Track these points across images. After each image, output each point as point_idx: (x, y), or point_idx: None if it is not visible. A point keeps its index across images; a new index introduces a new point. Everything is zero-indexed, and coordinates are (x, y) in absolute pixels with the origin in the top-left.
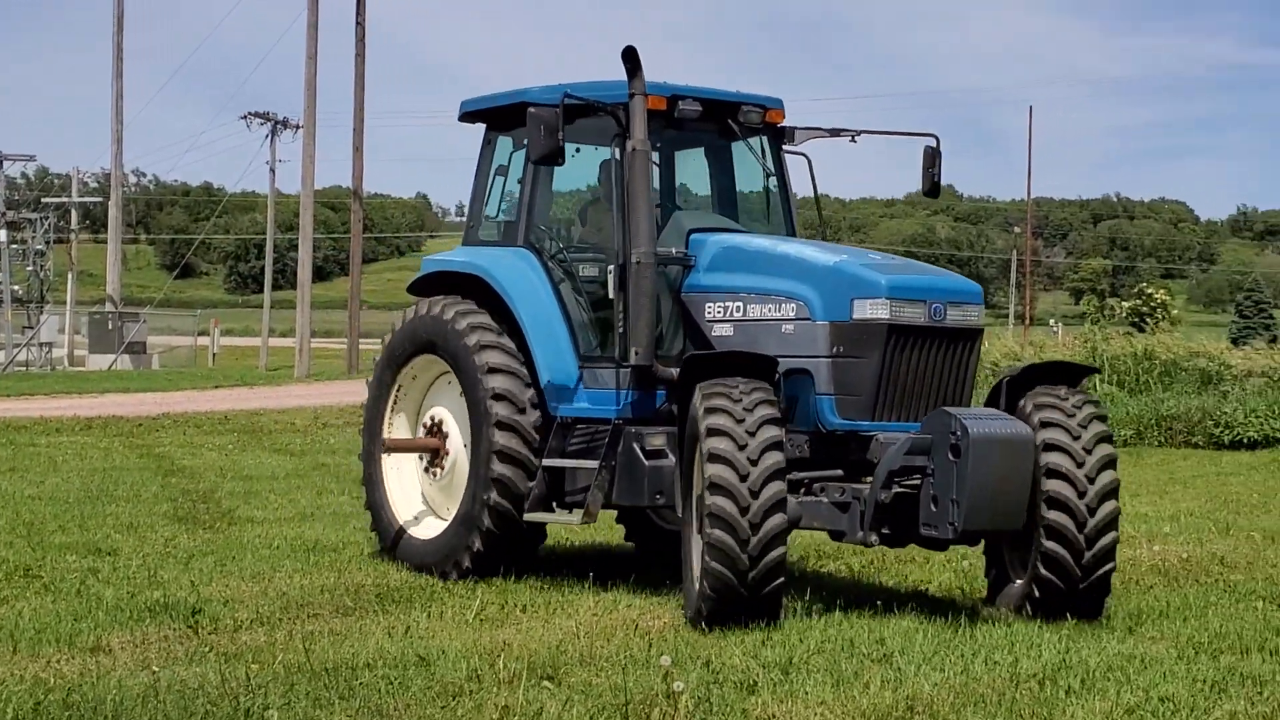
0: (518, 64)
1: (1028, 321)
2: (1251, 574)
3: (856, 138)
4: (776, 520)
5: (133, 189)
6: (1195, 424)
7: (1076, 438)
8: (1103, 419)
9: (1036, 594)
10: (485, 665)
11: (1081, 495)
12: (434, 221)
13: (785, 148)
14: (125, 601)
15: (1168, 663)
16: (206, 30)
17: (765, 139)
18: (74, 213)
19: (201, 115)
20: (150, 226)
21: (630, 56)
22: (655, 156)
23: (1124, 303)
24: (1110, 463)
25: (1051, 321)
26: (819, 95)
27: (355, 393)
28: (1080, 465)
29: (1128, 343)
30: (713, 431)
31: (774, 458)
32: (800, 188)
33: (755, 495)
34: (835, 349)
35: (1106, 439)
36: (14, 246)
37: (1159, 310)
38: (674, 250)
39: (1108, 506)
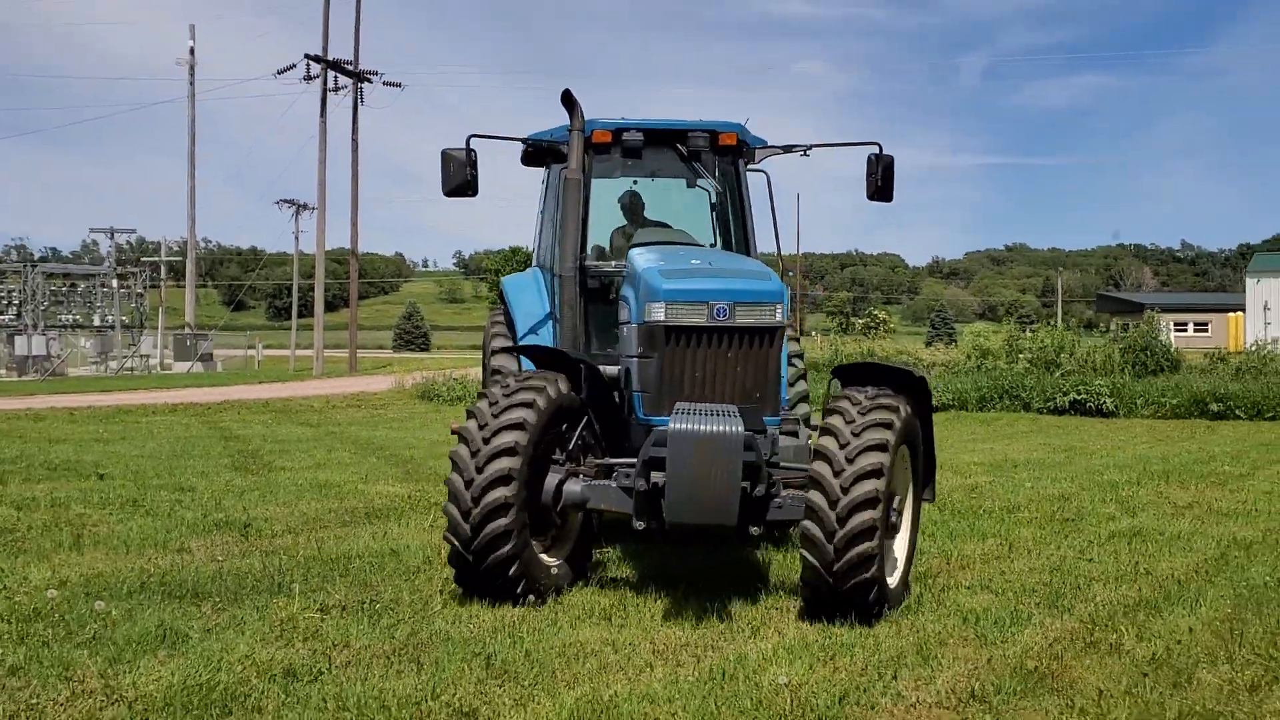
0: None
1: (799, 332)
2: None
3: (808, 151)
4: (494, 495)
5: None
6: None
7: (850, 422)
8: (888, 409)
9: (802, 582)
10: (435, 553)
11: (838, 474)
12: (407, 270)
13: (750, 167)
14: (199, 520)
15: None
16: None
17: (720, 161)
18: (162, 267)
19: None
20: (214, 275)
21: (566, 98)
22: (628, 183)
23: (859, 320)
24: (878, 447)
25: (814, 333)
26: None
27: (354, 385)
28: (844, 446)
29: (857, 345)
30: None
31: (502, 439)
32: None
33: (480, 471)
34: (639, 349)
35: (882, 425)
36: (122, 290)
37: (881, 325)
38: (612, 264)
39: (865, 487)
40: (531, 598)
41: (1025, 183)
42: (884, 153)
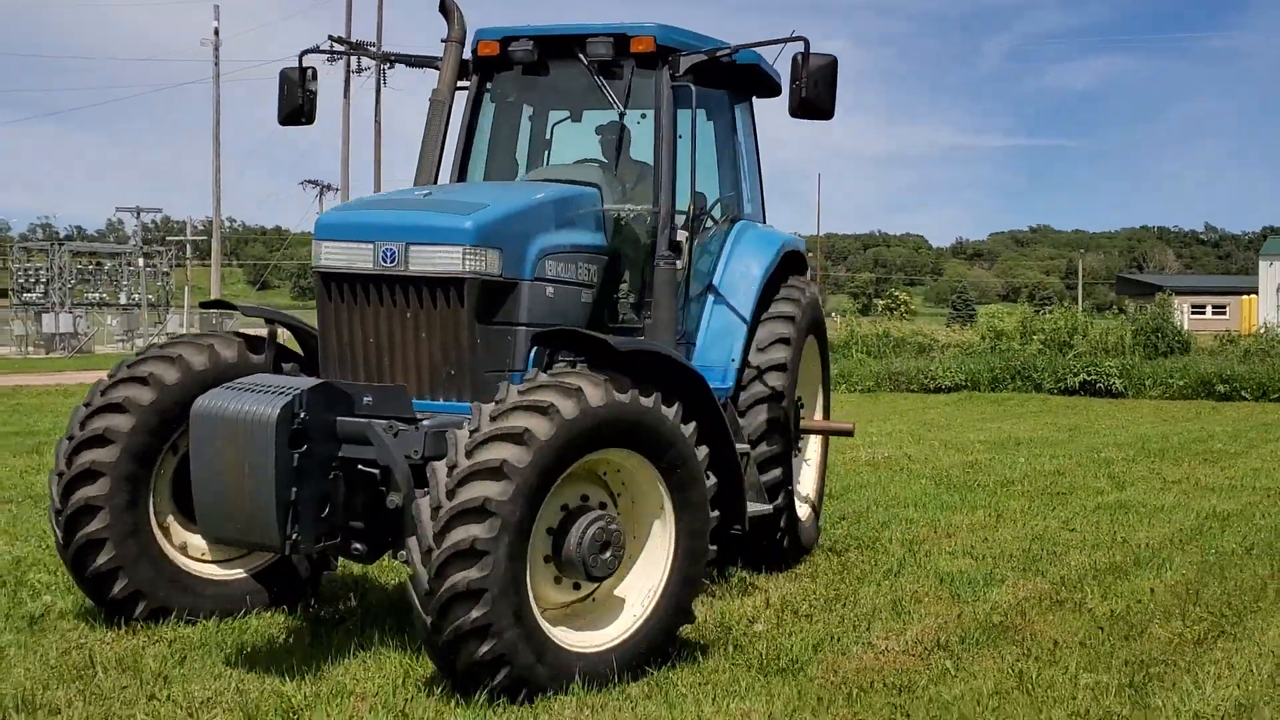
0: None
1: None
2: (925, 465)
3: (732, 55)
4: (80, 494)
5: (227, 229)
6: (912, 377)
7: (474, 430)
8: (537, 411)
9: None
10: None
11: (436, 511)
12: None
13: (676, 81)
14: None
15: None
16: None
17: (638, 75)
18: (188, 246)
19: (274, 179)
20: (239, 255)
21: (443, 4)
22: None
23: (880, 301)
24: (488, 472)
25: (834, 314)
26: None
27: None
28: (451, 471)
29: (873, 326)
30: None
31: (94, 424)
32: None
33: (69, 464)
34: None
35: (510, 439)
36: (148, 269)
37: (902, 306)
38: None
39: (459, 534)
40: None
41: (1049, 164)
42: (813, 51)
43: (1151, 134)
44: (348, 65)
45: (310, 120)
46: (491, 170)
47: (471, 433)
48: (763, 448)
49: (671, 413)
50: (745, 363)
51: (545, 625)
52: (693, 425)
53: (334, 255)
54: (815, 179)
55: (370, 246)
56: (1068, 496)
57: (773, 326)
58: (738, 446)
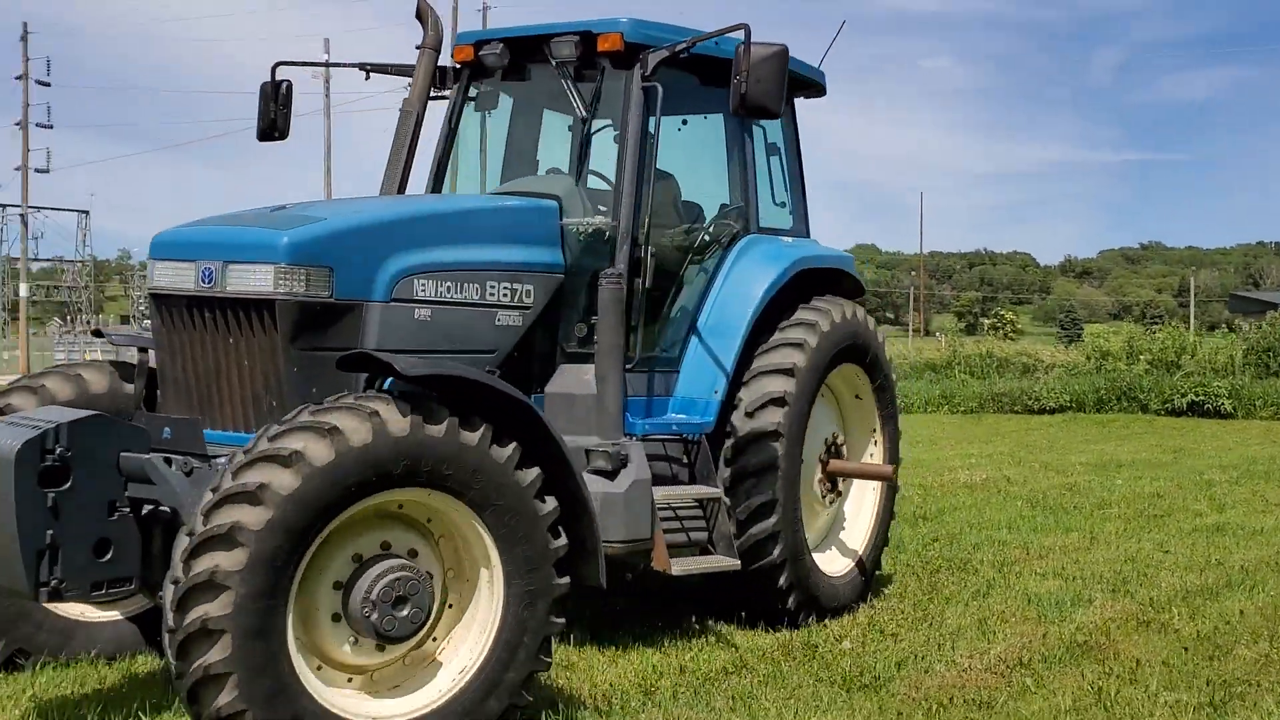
0: None
1: (922, 333)
2: (1023, 487)
3: (689, 50)
4: None
5: None
6: (1015, 398)
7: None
8: (277, 463)
9: None
10: None
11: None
12: None
13: (645, 83)
14: None
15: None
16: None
17: (609, 77)
18: None
19: None
20: None
21: (419, 11)
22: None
23: (986, 320)
24: (220, 541)
25: (938, 334)
26: None
27: None
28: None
29: (976, 346)
30: None
31: None
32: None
33: None
34: None
35: (244, 501)
36: None
37: (1008, 326)
38: None
39: (195, 612)
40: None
41: (1161, 179)
42: (755, 41)
43: (1268, 146)
44: (327, 81)
45: (284, 136)
46: (484, 179)
47: (213, 491)
48: (746, 495)
49: (475, 441)
50: (735, 397)
51: (318, 687)
52: (511, 450)
53: (162, 275)
54: (919, 197)
55: (193, 266)
56: (1165, 519)
57: (774, 355)
58: (706, 490)
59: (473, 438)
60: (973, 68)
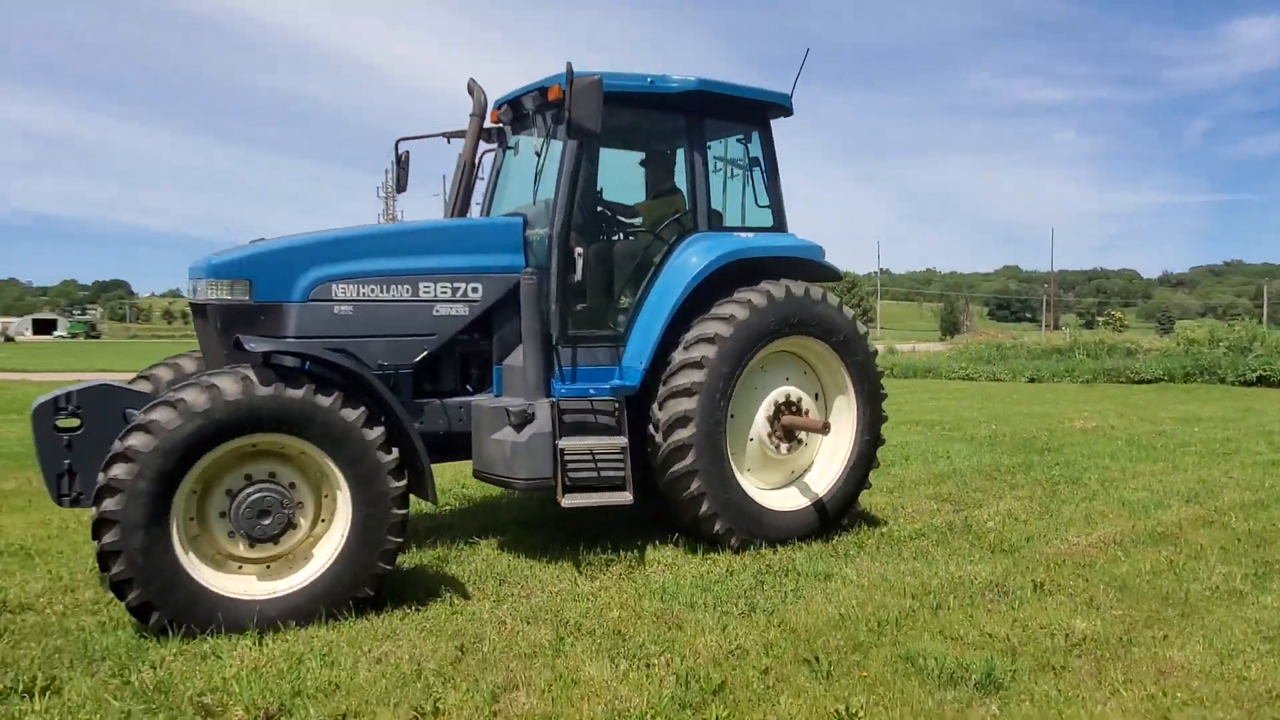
0: None
1: (1052, 328)
2: (1123, 431)
3: (544, 92)
4: None
5: None
6: (1120, 371)
7: None
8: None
9: None
10: None
11: None
12: None
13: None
14: None
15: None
16: None
17: (556, 123)
18: None
19: None
20: None
21: (469, 88)
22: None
23: (1100, 319)
24: None
25: (1063, 328)
26: None
27: None
28: None
29: (1092, 335)
30: None
31: None
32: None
33: None
34: None
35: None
36: None
37: (1116, 322)
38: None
39: None
40: None
41: (1241, 212)
42: (577, 74)
43: None
44: (725, 172)
45: (401, 190)
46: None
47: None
48: (665, 440)
49: (328, 403)
50: (667, 361)
51: (196, 565)
52: (360, 411)
53: (188, 290)
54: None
55: (192, 284)
56: (1232, 456)
57: (703, 327)
58: (616, 440)
59: (326, 400)
60: (1092, 136)
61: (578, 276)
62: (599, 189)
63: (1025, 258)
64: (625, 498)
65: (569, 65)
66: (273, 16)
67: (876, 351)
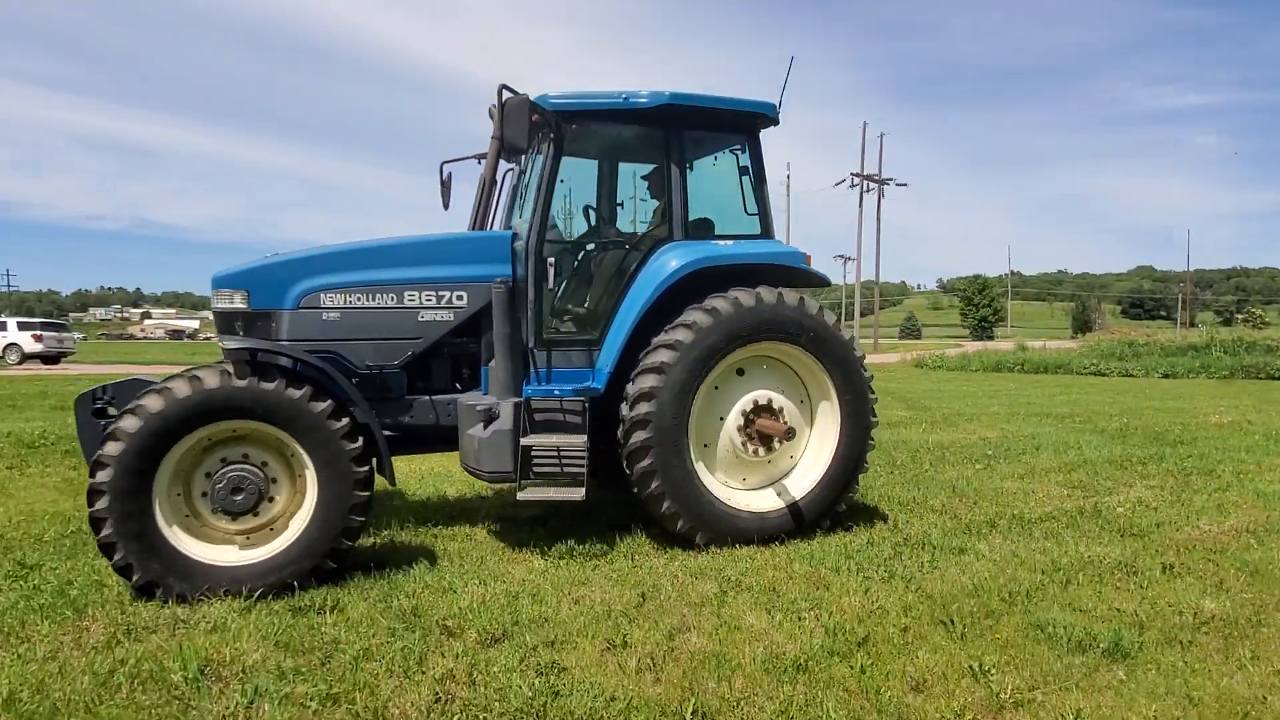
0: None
1: (1187, 325)
2: (1260, 426)
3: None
4: None
5: None
6: (1260, 368)
7: None
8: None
9: None
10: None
11: None
12: (908, 290)
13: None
14: None
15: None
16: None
17: (540, 136)
18: None
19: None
20: None
21: (490, 112)
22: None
23: (1239, 316)
24: None
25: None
26: None
27: (876, 359)
28: None
29: (1229, 332)
30: None
31: None
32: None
33: None
34: None
35: None
36: None
37: (1256, 319)
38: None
39: None
40: None
41: None
42: (510, 91)
43: None
44: (861, 189)
45: (446, 208)
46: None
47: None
48: (629, 440)
49: (297, 396)
50: (632, 365)
51: (179, 535)
52: (327, 403)
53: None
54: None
55: (213, 295)
56: None
57: (666, 334)
58: (576, 439)
59: (295, 393)
60: (1233, 138)
61: (550, 284)
62: (619, 202)
63: (1160, 258)
64: (578, 494)
65: (500, 87)
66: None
67: (864, 355)
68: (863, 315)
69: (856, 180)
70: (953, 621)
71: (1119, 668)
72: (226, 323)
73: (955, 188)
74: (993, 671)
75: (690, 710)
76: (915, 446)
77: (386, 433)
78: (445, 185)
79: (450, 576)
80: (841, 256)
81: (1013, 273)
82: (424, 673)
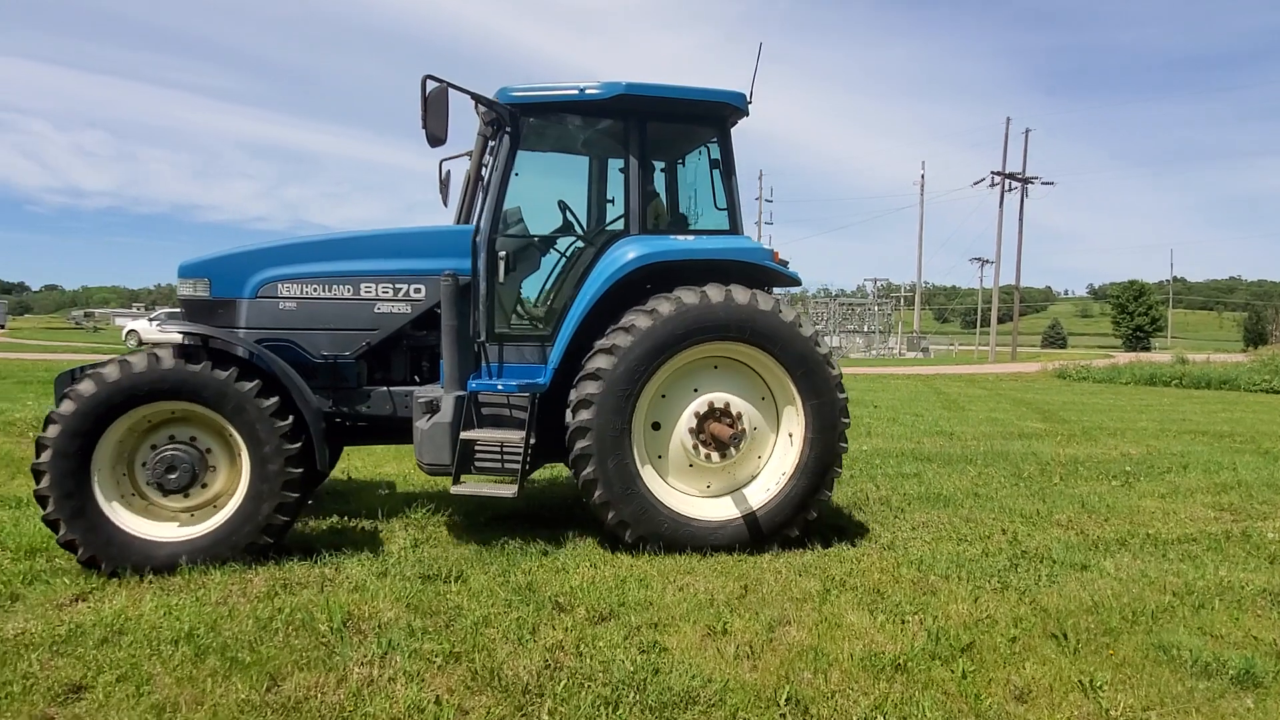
0: None
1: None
2: None
3: (482, 102)
4: None
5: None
6: None
7: None
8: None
9: None
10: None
11: None
12: (1053, 296)
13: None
14: None
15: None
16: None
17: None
18: (901, 299)
19: (952, 258)
20: (930, 303)
21: (475, 107)
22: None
23: None
24: None
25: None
26: None
27: (1012, 367)
28: None
29: None
30: None
31: None
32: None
33: None
34: None
35: None
36: (881, 312)
37: None
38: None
39: None
40: None
41: None
42: (435, 81)
43: None
44: (1002, 188)
45: (446, 205)
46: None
47: None
48: (572, 446)
49: (224, 376)
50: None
51: (117, 511)
52: (254, 383)
53: None
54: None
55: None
56: None
57: (606, 338)
58: (513, 434)
59: (222, 374)
60: None
61: (502, 279)
62: (609, 198)
63: (1250, 269)
64: (509, 491)
65: (424, 78)
66: None
67: (830, 354)
68: (1001, 321)
69: (997, 179)
70: (1066, 636)
71: (1248, 696)
72: (189, 310)
73: (1109, 187)
74: (1104, 688)
75: (784, 698)
76: (1046, 459)
77: (349, 423)
78: (444, 183)
79: (563, 558)
80: (979, 259)
81: (1175, 279)
82: (536, 641)
